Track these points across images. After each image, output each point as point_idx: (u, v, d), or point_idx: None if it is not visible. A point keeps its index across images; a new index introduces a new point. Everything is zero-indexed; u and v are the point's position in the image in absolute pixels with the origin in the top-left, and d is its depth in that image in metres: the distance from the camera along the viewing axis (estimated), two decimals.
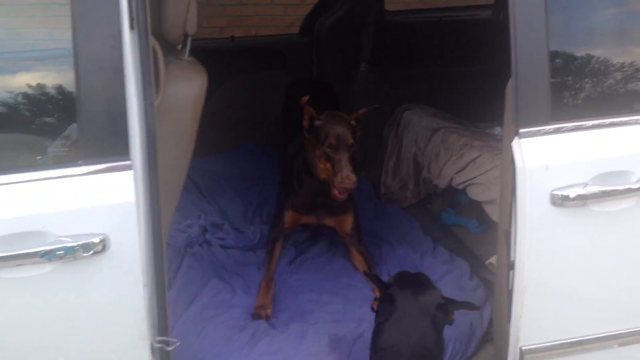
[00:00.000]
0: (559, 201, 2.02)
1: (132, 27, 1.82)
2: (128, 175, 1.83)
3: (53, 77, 1.89)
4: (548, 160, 2.03)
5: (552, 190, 2.03)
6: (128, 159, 1.83)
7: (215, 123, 3.76)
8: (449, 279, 2.89)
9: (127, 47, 1.81)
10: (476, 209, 3.61)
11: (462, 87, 4.48)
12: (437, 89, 4.33)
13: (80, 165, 1.80)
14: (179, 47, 2.42)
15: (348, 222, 3.00)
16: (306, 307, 2.65)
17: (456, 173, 3.40)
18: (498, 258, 2.51)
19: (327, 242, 3.25)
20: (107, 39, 1.79)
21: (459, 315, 2.69)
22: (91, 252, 1.78)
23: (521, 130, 2.03)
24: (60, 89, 1.89)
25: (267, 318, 2.61)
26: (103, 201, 1.82)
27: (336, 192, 2.64)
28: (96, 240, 1.79)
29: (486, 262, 3.18)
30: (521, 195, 2.03)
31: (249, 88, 4.19)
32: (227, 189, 3.71)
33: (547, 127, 2.04)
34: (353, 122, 2.75)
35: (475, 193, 3.28)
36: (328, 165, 2.68)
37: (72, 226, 1.79)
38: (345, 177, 2.58)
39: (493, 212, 3.14)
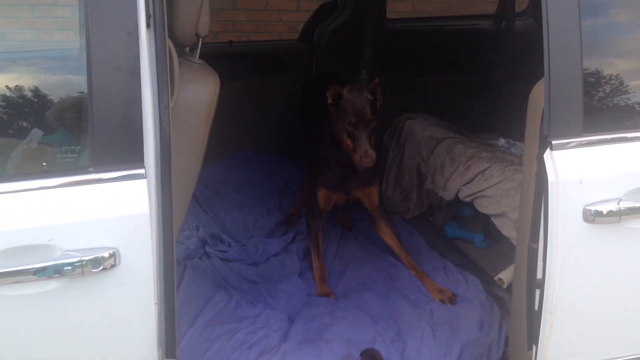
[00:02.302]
0: (592, 217, 1.93)
1: (148, 24, 1.70)
2: (142, 184, 1.70)
3: (62, 77, 1.75)
4: (581, 174, 1.94)
5: (585, 206, 1.93)
6: (142, 167, 1.70)
7: (212, 129, 3.61)
8: (466, 296, 2.79)
9: (143, 45, 1.69)
10: (481, 222, 3.53)
11: (463, 96, 4.41)
12: (438, 98, 4.25)
13: (90, 172, 1.67)
14: (187, 49, 2.31)
15: (375, 193, 3.09)
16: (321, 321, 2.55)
17: (463, 185, 3.30)
18: (516, 276, 2.41)
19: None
20: (123, 37, 1.67)
21: (475, 334, 2.61)
22: (100, 267, 1.65)
23: (554, 142, 1.93)
24: (70, 89, 1.75)
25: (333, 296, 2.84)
26: (114, 212, 1.68)
27: (358, 165, 2.76)
28: (106, 254, 1.65)
29: (495, 278, 3.08)
30: (553, 210, 1.93)
31: (246, 94, 4.06)
32: (225, 198, 3.57)
33: (580, 139, 1.95)
34: (370, 96, 2.80)
35: (483, 206, 3.18)
36: (349, 141, 2.77)
37: (81, 239, 1.66)
38: (364, 155, 2.69)
39: (503, 226, 3.06)
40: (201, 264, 2.88)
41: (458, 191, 3.33)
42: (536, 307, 2.05)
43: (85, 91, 1.66)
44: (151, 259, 1.71)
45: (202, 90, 2.09)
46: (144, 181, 1.70)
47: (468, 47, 4.50)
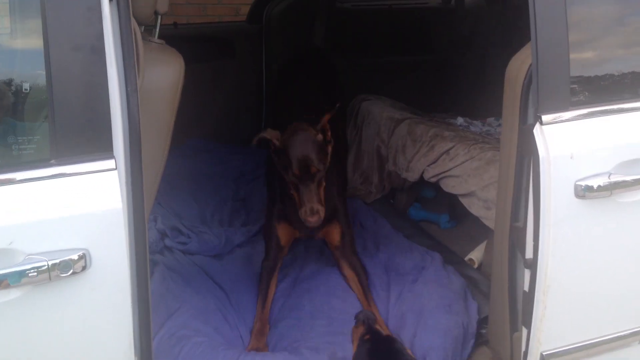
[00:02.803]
0: (583, 192, 1.87)
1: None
2: (112, 176, 1.52)
3: (15, 57, 1.55)
4: (572, 149, 1.87)
5: (576, 181, 1.87)
6: (111, 157, 1.53)
7: None
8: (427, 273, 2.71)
9: (106, 22, 1.51)
10: (445, 202, 3.47)
11: (416, 77, 4.35)
12: (392, 79, 4.16)
13: (52, 165, 1.48)
14: (142, 28, 2.13)
15: (336, 231, 2.70)
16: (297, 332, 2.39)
17: (428, 165, 3.23)
18: (495, 257, 2.35)
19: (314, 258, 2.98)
20: (83, 13, 1.48)
21: (448, 315, 2.53)
22: (70, 271, 1.47)
23: (544, 117, 1.85)
24: (24, 71, 1.55)
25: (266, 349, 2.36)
26: (83, 208, 1.51)
27: (304, 221, 2.43)
28: (75, 256, 1.48)
29: (465, 259, 3.03)
30: (545, 187, 1.86)
31: (195, 79, 3.84)
32: (179, 189, 3.38)
33: (570, 113, 1.88)
34: (319, 136, 2.46)
35: (450, 186, 3.12)
36: (295, 193, 2.46)
37: (46, 240, 1.47)
38: (308, 213, 2.38)
39: (472, 206, 3.00)
40: (163, 260, 2.69)
41: (423, 172, 3.26)
42: (526, 288, 1.99)
43: (42, 74, 1.47)
44: (126, 258, 1.54)
45: (166, 72, 1.93)
46: (114, 173, 1.52)
47: (419, 26, 4.44)
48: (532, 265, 1.95)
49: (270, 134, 2.49)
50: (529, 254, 1.97)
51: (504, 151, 2.26)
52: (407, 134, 3.46)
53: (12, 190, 1.46)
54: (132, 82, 1.56)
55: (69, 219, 1.49)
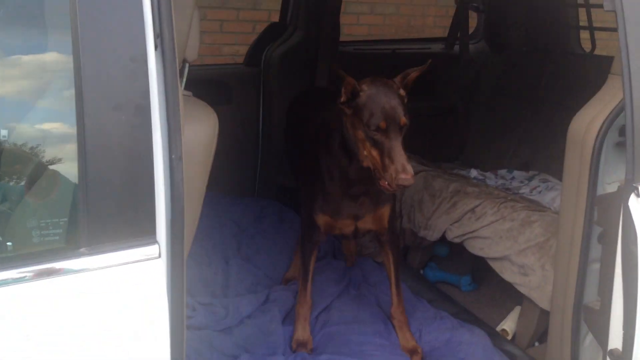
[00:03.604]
0: None
1: (156, 46, 1.24)
2: (156, 265, 1.22)
3: (38, 120, 1.24)
4: None
5: None
6: (154, 242, 1.22)
7: None
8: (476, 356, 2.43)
9: (152, 75, 1.22)
10: (461, 261, 3.22)
11: (418, 123, 4.11)
12: None
13: (83, 254, 1.17)
14: None
15: (387, 213, 2.45)
16: None
17: (451, 224, 2.98)
18: (553, 340, 2.11)
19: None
20: (126, 64, 1.19)
21: None
22: None
23: None
24: (51, 137, 1.24)
25: (311, 351, 2.33)
26: (122, 310, 1.19)
27: (386, 186, 2.07)
28: None
29: (498, 329, 2.76)
30: None
31: None
32: None
33: None
34: (402, 92, 2.17)
35: (477, 248, 2.87)
36: (375, 152, 2.08)
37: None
38: (401, 170, 1.99)
39: (504, 271, 2.74)
40: None
41: (445, 231, 3.01)
42: None
43: (72, 138, 1.17)
44: None
45: (200, 131, 1.64)
46: (158, 262, 1.22)
47: (423, 72, 4.23)
48: (620, 358, 1.70)
49: (348, 82, 2.11)
50: (614, 344, 1.73)
51: (566, 220, 2.03)
52: (424, 188, 3.22)
53: (28, 289, 1.14)
54: (177, 149, 1.27)
55: (105, 323, 1.18)
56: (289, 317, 2.65)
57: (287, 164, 3.25)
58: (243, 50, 5.68)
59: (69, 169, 1.19)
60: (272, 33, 3.84)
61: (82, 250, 1.17)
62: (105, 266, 1.18)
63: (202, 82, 3.73)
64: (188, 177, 1.58)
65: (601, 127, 1.86)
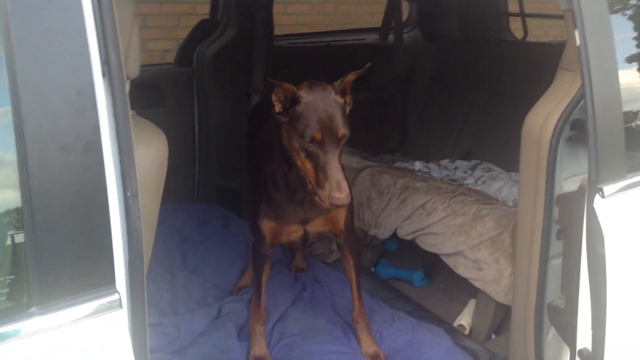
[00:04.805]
0: None
1: (104, 73, 1.11)
2: (119, 317, 1.11)
3: None
4: (636, 221, 1.64)
5: None
6: (114, 291, 1.11)
7: None
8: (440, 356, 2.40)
9: (101, 107, 1.10)
10: (410, 256, 3.20)
11: (357, 116, 4.06)
12: None
13: (34, 314, 1.04)
14: None
15: (341, 215, 2.29)
16: None
17: (402, 222, 2.94)
18: (515, 337, 2.11)
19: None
20: (73, 98, 1.06)
21: None
22: None
23: (605, 188, 1.61)
24: None
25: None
26: None
27: (320, 202, 1.92)
28: None
29: (455, 324, 2.76)
30: (610, 269, 1.61)
31: None
32: None
33: (627, 181, 1.65)
34: (339, 99, 2.00)
35: (430, 244, 2.84)
36: (309, 165, 1.94)
37: None
38: (336, 188, 1.85)
39: (458, 266, 2.73)
40: None
41: (396, 229, 2.97)
42: None
43: (14, 186, 1.03)
44: None
45: (149, 156, 1.52)
46: (120, 312, 1.11)
47: (357, 63, 4.17)
48: (592, 357, 1.69)
49: (281, 88, 1.95)
50: (583, 343, 1.72)
51: (524, 220, 2.01)
52: (371, 185, 3.17)
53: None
54: (132, 185, 1.15)
55: None
56: (244, 331, 2.55)
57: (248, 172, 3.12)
58: (168, 45, 5.51)
59: (13, 217, 1.05)
60: (203, 30, 3.69)
61: (31, 309, 1.04)
62: (60, 325, 1.05)
63: (132, 85, 3.56)
64: (141, 209, 1.48)
65: (556, 125, 1.84)
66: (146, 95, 3.52)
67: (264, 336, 2.45)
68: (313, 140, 1.89)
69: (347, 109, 2.05)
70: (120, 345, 1.11)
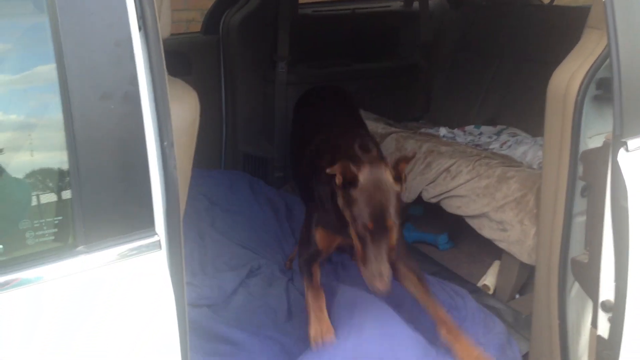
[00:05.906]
0: None
1: (140, 27, 1.16)
2: (158, 258, 1.17)
3: (21, 111, 1.16)
4: None
5: None
6: (154, 234, 1.17)
7: None
8: (464, 315, 2.44)
9: (139, 59, 1.15)
10: (436, 220, 3.24)
11: (382, 84, 4.10)
12: (357, 87, 3.86)
13: (80, 252, 1.11)
14: None
15: (393, 232, 2.18)
16: None
17: (426, 185, 2.98)
18: (539, 295, 2.13)
19: None
20: (112, 50, 1.11)
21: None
22: None
23: (630, 142, 1.63)
24: (35, 133, 1.15)
25: (332, 341, 2.05)
26: (128, 308, 1.14)
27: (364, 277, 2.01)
28: None
29: (479, 285, 2.80)
30: (634, 222, 1.63)
31: None
32: None
33: None
34: (395, 186, 2.03)
35: (455, 207, 2.88)
36: (358, 244, 2.01)
37: None
38: (377, 275, 1.94)
39: (482, 228, 2.76)
40: None
41: (421, 192, 3.01)
42: (606, 335, 1.76)
43: (59, 136, 1.09)
44: None
45: (181, 112, 1.56)
46: (159, 253, 1.17)
47: (383, 31, 4.19)
48: (612, 309, 1.73)
49: (343, 166, 1.99)
50: (605, 296, 1.75)
51: (549, 178, 2.03)
52: (396, 150, 3.21)
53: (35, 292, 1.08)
54: (168, 135, 1.21)
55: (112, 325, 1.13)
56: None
57: (290, 161, 3.16)
58: (192, 15, 5.53)
59: (59, 164, 1.11)
60: None
61: (78, 248, 1.10)
62: (105, 263, 1.12)
63: None
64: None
65: (582, 82, 1.85)
66: (174, 64, 3.55)
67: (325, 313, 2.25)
68: (365, 226, 1.96)
69: (403, 194, 2.09)
70: (161, 283, 1.17)
